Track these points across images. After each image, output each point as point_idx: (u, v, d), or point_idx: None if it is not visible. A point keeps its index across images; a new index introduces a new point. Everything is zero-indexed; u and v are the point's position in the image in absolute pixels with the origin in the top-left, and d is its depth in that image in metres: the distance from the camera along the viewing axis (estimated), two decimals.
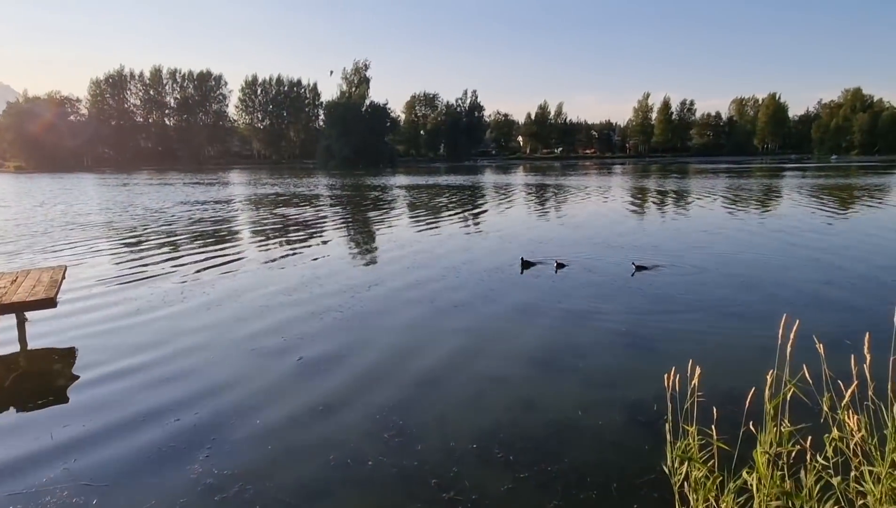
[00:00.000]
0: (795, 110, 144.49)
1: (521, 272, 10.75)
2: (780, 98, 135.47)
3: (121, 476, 4.14)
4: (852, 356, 2.64)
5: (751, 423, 2.87)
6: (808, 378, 2.65)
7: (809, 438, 2.72)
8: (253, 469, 4.21)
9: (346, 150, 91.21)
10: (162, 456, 4.41)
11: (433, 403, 5.33)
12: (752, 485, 2.79)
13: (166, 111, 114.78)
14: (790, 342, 2.61)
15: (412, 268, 11.39)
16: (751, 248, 13.48)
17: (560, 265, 11.04)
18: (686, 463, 3.17)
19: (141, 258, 13.21)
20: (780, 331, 2.63)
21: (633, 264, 10.93)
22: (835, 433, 2.66)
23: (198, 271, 11.54)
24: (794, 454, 2.75)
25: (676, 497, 3.17)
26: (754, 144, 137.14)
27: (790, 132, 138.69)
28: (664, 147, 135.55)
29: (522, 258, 11.50)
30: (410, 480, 4.04)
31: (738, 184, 38.63)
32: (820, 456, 2.70)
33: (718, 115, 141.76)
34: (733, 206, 24.13)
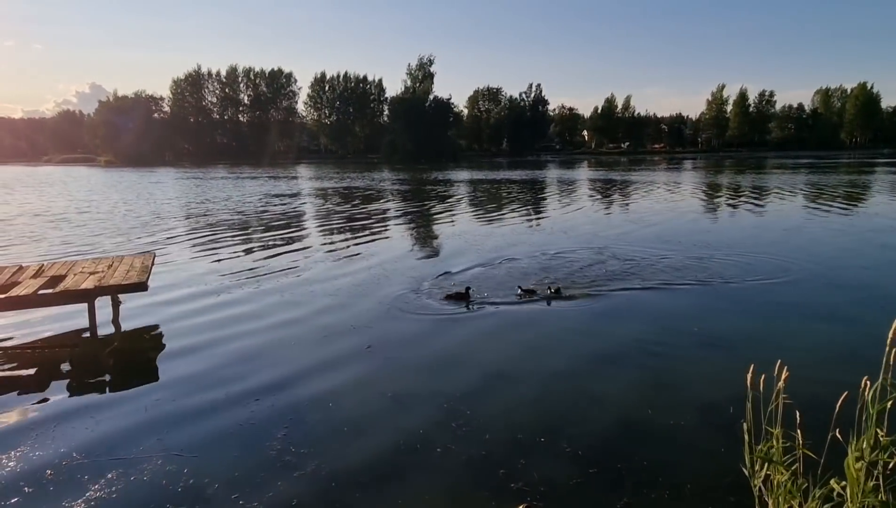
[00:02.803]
0: (889, 101, 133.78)
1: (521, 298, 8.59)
2: (871, 88, 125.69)
3: (208, 449, 4.44)
4: None
5: (837, 430, 2.74)
6: None
7: None
8: (327, 449, 4.40)
9: (409, 144, 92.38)
10: (244, 433, 4.69)
11: (501, 395, 5.37)
12: (842, 493, 2.67)
13: (240, 108, 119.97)
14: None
15: (477, 263, 11.42)
16: (838, 248, 12.67)
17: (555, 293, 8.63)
18: (766, 466, 3.06)
19: (222, 247, 13.96)
20: (891, 335, 2.48)
21: (518, 287, 8.92)
22: None
23: (273, 260, 12.09)
24: (892, 465, 2.60)
25: (756, 500, 3.07)
26: (841, 137, 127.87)
27: (883, 125, 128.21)
28: (740, 141, 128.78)
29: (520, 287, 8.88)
30: (478, 469, 4.10)
31: (821, 181, 36.23)
32: None
33: (801, 107, 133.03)
34: (817, 203, 22.68)
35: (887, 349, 2.50)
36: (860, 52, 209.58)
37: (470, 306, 8.28)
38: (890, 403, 2.53)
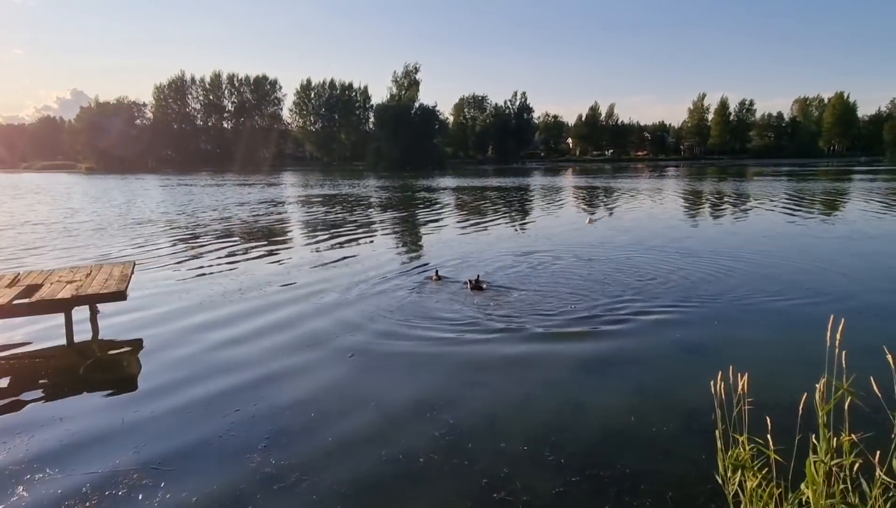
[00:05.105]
0: (865, 110, 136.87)
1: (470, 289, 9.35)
2: (847, 97, 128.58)
3: (186, 462, 4.36)
4: None
5: (812, 436, 2.77)
6: (878, 392, 2.53)
7: (878, 452, 2.59)
8: (309, 460, 4.35)
9: (395, 152, 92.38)
10: (223, 444, 4.61)
11: (484, 403, 5.35)
12: (808, 497, 2.69)
13: (224, 115, 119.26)
14: (837, 343, 2.51)
15: (462, 269, 11.42)
16: (814, 253, 12.87)
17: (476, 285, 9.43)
18: (739, 472, 3.08)
19: (202, 255, 13.81)
20: (828, 334, 2.53)
21: (468, 280, 9.66)
22: None
23: (257, 268, 11.97)
24: (857, 467, 2.63)
25: (731, 506, 3.09)
26: (819, 145, 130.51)
27: (859, 133, 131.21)
28: (721, 149, 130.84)
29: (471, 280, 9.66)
30: (461, 478, 4.08)
31: (800, 187, 36.89)
32: (884, 472, 2.57)
33: (780, 115, 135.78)
34: (795, 210, 23.07)
35: (837, 350, 2.54)
36: (838, 63, 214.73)
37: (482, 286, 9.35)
38: (851, 405, 2.57)
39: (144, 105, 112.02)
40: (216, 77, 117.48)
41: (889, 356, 2.53)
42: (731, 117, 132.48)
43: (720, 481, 3.01)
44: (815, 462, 2.64)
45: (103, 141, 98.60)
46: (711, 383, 2.99)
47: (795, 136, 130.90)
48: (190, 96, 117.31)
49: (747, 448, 2.87)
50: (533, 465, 4.24)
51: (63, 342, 7.06)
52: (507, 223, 20.33)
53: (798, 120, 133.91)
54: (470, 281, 9.61)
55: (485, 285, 9.51)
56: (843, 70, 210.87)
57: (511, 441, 4.57)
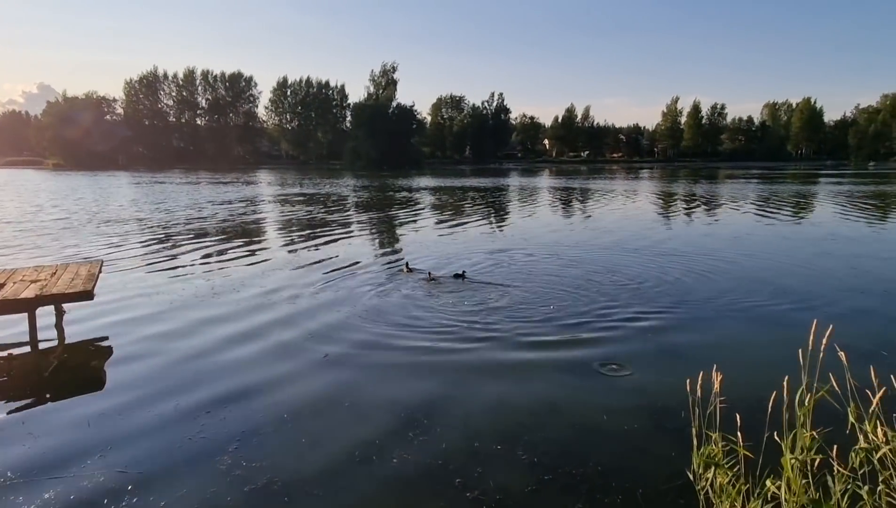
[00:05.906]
0: (831, 115, 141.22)
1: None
2: (815, 103, 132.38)
3: (154, 465, 4.27)
4: (872, 367, 2.59)
5: (776, 432, 2.84)
6: (837, 388, 2.61)
7: (835, 447, 2.67)
8: (280, 461, 4.30)
9: (372, 151, 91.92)
10: (193, 447, 4.54)
11: (458, 403, 5.36)
12: (779, 493, 2.76)
13: (198, 112, 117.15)
14: (822, 347, 2.58)
15: (437, 268, 11.42)
16: (783, 254, 13.20)
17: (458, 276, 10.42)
18: (711, 469, 3.14)
19: (174, 255, 13.54)
20: (811, 337, 2.60)
21: (429, 273, 10.54)
22: (861, 443, 2.61)
23: (228, 268, 11.80)
24: (818, 462, 2.71)
25: (702, 502, 3.15)
26: (788, 149, 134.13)
27: (826, 138, 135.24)
28: (694, 152, 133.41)
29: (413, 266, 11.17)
30: (434, 478, 4.08)
31: (770, 190, 37.80)
32: (845, 467, 2.65)
33: (750, 119, 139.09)
34: (764, 211, 23.63)
35: (821, 353, 2.61)
36: (806, 69, 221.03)
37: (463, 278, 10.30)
38: (819, 403, 2.64)
39: (115, 101, 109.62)
40: (189, 73, 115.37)
41: (842, 354, 2.61)
42: (704, 121, 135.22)
43: (691, 477, 3.06)
44: (789, 458, 2.70)
45: (72, 137, 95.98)
46: (688, 381, 3.03)
47: (765, 139, 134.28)
48: (162, 92, 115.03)
49: (720, 444, 2.92)
50: (506, 464, 4.26)
51: (26, 343, 6.86)
52: (484, 223, 20.39)
53: (767, 124, 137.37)
54: (430, 274, 10.48)
55: (465, 280, 10.24)
56: (812, 76, 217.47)
57: (484, 441, 4.59)
